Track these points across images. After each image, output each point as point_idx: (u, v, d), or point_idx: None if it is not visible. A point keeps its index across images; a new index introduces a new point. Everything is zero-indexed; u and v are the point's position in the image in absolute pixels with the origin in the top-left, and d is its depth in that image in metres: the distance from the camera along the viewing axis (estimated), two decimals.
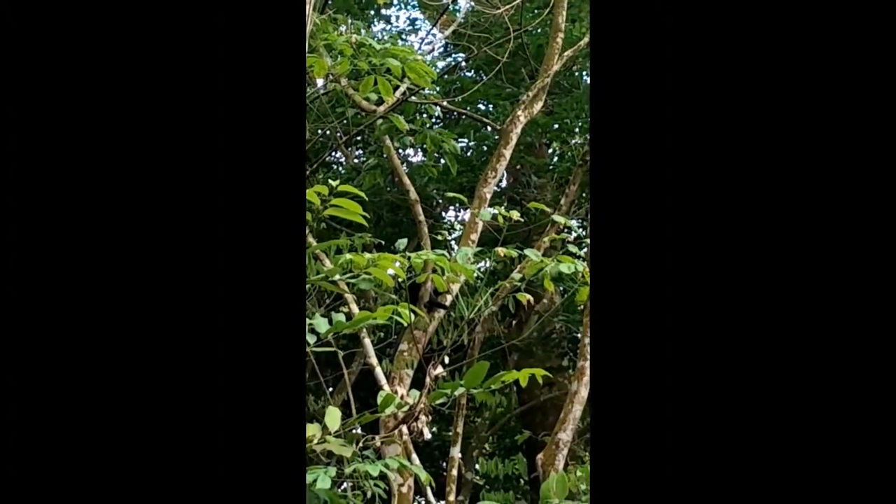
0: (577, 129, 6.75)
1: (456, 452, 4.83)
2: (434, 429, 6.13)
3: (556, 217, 3.96)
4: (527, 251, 3.82)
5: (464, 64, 8.06)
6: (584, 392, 5.09)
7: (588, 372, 5.17)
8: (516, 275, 4.07)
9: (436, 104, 6.32)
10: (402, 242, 4.01)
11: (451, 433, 5.04)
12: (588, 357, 5.18)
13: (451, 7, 7.69)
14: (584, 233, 4.22)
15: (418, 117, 5.73)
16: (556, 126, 7.10)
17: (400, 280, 3.66)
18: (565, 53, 6.40)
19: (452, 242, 6.36)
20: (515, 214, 3.88)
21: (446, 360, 4.43)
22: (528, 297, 4.12)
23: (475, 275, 4.26)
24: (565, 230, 3.91)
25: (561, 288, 8.30)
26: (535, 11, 7.68)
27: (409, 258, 3.70)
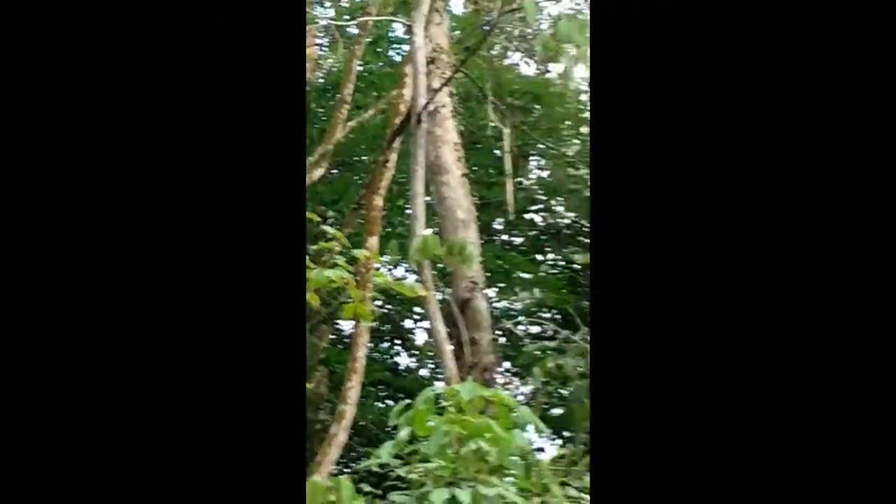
0: (354, 204, 6.84)
1: None
2: None
3: (326, 227, 3.92)
4: None
5: None
6: (342, 436, 4.97)
7: (348, 416, 5.06)
8: None
9: None
10: None
11: None
12: (348, 401, 5.08)
13: None
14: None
15: None
16: (335, 199, 7.18)
17: None
18: (349, 123, 6.57)
19: None
20: None
21: None
22: None
23: None
24: (333, 240, 3.86)
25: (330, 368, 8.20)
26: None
27: None
